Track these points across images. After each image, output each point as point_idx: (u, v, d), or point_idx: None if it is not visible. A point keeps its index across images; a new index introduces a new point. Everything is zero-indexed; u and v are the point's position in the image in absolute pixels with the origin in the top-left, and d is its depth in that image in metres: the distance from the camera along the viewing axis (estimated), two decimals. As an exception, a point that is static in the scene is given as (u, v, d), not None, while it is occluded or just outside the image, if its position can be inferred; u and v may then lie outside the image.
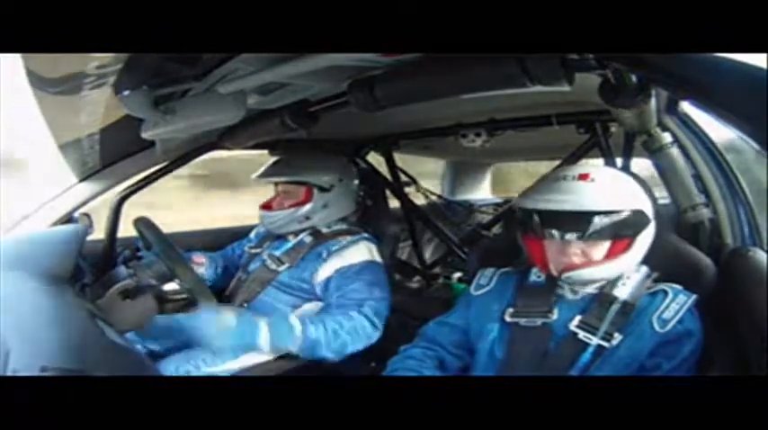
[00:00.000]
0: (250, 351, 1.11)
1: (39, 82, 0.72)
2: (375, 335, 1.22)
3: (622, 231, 0.88)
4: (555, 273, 0.91)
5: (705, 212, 1.07)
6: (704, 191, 1.09)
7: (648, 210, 0.91)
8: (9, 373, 0.62)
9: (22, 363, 0.63)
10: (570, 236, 0.87)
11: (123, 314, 1.25)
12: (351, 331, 1.17)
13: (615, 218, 0.87)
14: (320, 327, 1.14)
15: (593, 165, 1.00)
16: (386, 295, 1.27)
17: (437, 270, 2.06)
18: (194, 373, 1.17)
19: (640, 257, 0.92)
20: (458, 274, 1.75)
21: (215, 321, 1.05)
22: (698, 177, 1.09)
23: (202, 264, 1.46)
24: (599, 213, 0.86)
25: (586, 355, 0.86)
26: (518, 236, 0.97)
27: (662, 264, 0.94)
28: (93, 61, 0.65)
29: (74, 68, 0.67)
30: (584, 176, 0.89)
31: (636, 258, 0.91)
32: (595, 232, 0.87)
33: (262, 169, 1.44)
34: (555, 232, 0.88)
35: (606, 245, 0.89)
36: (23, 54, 0.63)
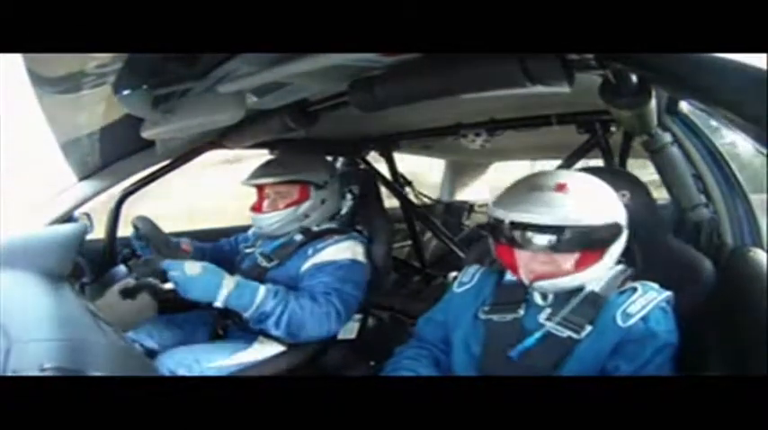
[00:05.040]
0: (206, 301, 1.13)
1: (39, 82, 0.72)
2: (335, 327, 1.22)
3: (594, 243, 0.87)
4: (525, 280, 0.91)
5: (705, 212, 1.07)
6: (704, 191, 1.09)
7: (622, 220, 0.90)
8: (9, 373, 0.62)
9: (22, 363, 0.63)
10: (540, 247, 0.87)
11: (123, 313, 1.25)
12: (311, 316, 1.18)
13: (588, 230, 0.86)
14: (281, 305, 1.16)
15: (569, 174, 0.95)
16: (358, 293, 1.28)
17: (437, 270, 2.06)
18: (192, 369, 1.17)
19: (611, 265, 0.91)
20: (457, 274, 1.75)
21: (183, 267, 1.12)
22: (698, 177, 1.09)
23: (188, 253, 1.44)
24: (571, 227, 0.85)
25: (557, 347, 0.86)
26: (489, 241, 0.97)
27: (661, 265, 0.93)
28: (93, 61, 0.65)
29: (74, 68, 0.67)
30: (560, 187, 0.87)
31: (606, 266, 0.90)
32: (566, 244, 0.86)
33: (251, 172, 1.40)
34: (525, 243, 0.87)
35: (576, 255, 0.88)
36: (23, 54, 0.63)
